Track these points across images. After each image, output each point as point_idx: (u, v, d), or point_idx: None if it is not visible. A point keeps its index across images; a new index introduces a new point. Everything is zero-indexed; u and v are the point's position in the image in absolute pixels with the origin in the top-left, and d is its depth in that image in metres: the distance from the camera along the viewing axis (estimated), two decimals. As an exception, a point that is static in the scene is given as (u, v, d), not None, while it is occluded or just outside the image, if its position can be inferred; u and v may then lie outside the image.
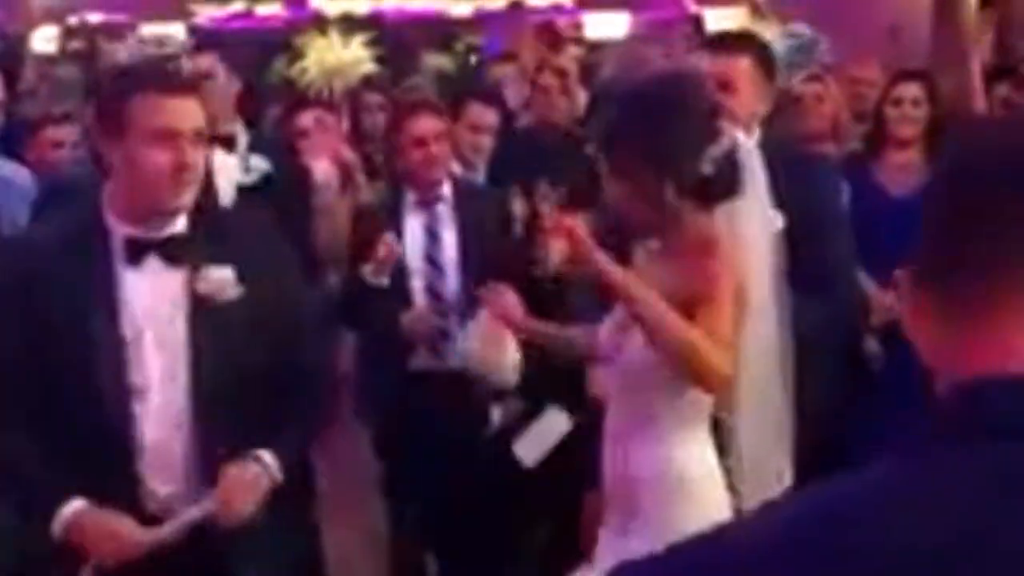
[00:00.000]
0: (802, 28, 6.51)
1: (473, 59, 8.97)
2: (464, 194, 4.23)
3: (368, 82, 6.88)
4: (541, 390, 3.95)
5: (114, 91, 2.67)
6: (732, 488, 2.61)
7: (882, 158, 4.51)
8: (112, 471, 2.56)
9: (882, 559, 0.83)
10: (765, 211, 2.71)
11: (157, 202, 2.60)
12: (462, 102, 4.86)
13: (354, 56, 8.46)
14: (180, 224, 2.65)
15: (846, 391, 3.97)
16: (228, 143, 4.17)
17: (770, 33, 6.22)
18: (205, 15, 10.20)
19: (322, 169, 4.40)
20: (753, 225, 2.65)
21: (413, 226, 4.14)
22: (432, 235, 4.13)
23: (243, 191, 4.05)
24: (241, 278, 2.64)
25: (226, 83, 4.34)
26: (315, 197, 4.35)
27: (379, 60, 8.42)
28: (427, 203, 4.16)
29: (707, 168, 2.53)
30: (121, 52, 7.00)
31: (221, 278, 2.63)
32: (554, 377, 3.68)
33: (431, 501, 4.16)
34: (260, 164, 4.19)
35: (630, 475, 2.58)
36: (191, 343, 2.60)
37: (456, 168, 4.49)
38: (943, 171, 0.99)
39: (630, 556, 0.98)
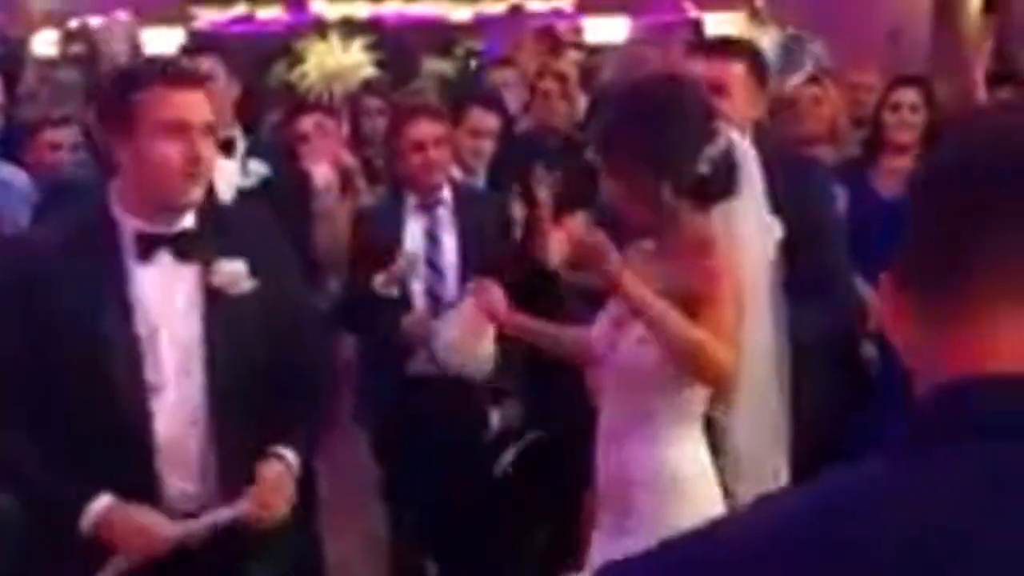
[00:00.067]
0: (794, 32, 6.51)
1: (473, 63, 8.96)
2: (464, 198, 4.23)
3: (368, 86, 6.86)
4: (541, 393, 3.96)
5: (120, 88, 2.63)
6: (725, 487, 2.62)
7: (879, 163, 4.52)
8: (129, 469, 2.55)
9: (878, 554, 0.83)
10: (761, 211, 2.72)
11: (169, 197, 2.58)
12: (463, 107, 4.85)
13: (354, 60, 8.46)
14: (189, 220, 2.64)
15: (843, 395, 3.97)
16: (226, 147, 4.17)
17: (768, 38, 6.22)
18: (206, 19, 10.20)
19: (322, 173, 4.41)
20: (749, 225, 2.66)
21: (413, 230, 4.14)
22: (432, 239, 4.13)
23: (242, 195, 4.05)
24: (253, 272, 2.64)
25: (226, 87, 4.33)
26: (315, 201, 4.35)
27: (379, 64, 8.41)
28: (427, 207, 4.16)
29: (704, 168, 2.54)
30: (117, 43, 6.98)
31: (235, 271, 2.62)
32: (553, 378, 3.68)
33: (430, 505, 4.15)
34: (259, 168, 4.18)
35: (624, 474, 2.59)
36: (205, 339, 2.59)
37: (456, 172, 4.49)
38: (920, 174, 1.00)
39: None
